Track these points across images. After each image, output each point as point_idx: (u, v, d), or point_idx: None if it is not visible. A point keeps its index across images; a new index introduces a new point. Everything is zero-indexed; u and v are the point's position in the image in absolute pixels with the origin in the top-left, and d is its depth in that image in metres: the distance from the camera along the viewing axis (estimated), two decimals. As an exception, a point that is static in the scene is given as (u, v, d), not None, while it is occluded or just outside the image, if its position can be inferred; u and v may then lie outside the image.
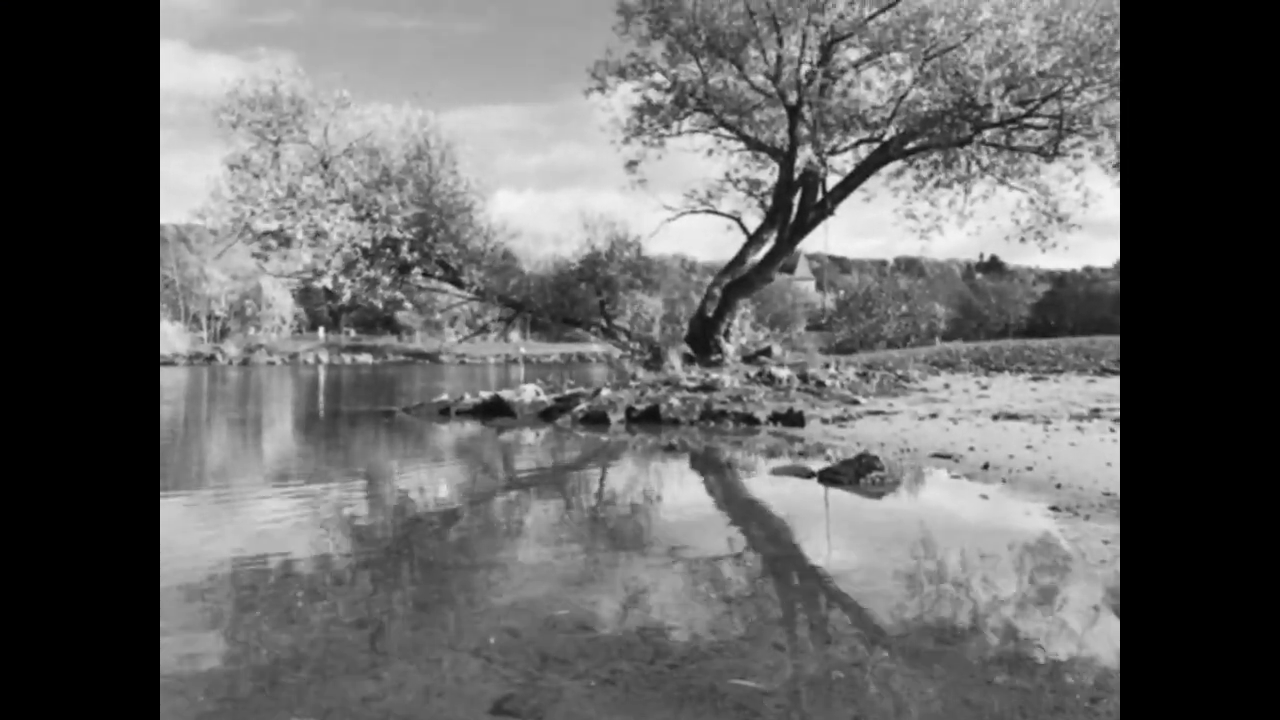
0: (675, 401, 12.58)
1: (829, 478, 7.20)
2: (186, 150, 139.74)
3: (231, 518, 6.96)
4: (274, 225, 16.87)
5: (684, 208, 21.38)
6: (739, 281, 19.48)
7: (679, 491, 7.58)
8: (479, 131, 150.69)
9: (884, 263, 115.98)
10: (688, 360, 18.53)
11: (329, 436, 12.99)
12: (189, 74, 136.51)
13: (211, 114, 16.61)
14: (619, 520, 6.26)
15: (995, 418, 10.79)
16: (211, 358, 58.88)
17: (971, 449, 8.63)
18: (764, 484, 7.47)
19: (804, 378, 14.21)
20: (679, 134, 20.17)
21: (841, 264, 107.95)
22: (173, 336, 57.96)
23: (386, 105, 18.20)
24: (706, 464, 9.25)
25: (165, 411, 18.65)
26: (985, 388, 14.01)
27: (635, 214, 59.17)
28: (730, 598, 4.29)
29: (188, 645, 3.64)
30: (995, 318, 72.37)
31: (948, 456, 8.30)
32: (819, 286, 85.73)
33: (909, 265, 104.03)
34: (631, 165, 20.32)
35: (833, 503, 6.57)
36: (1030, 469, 7.48)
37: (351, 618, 3.98)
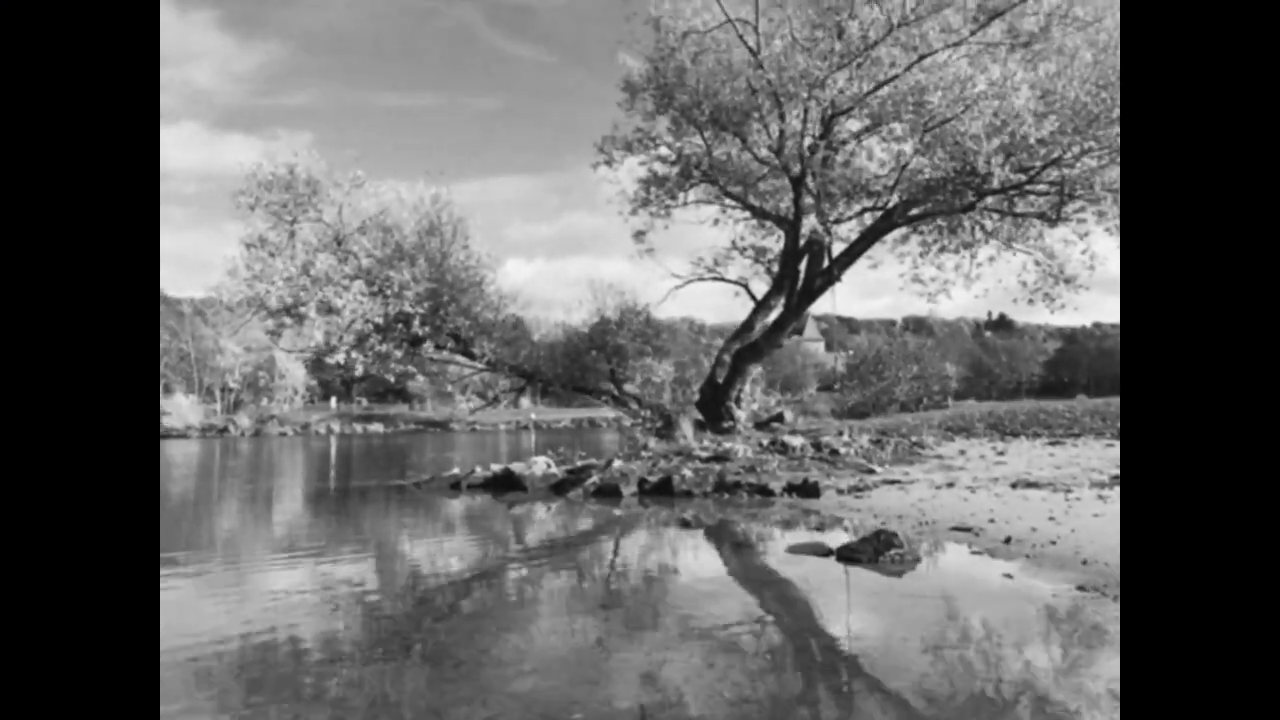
0: (688, 473, 12.46)
1: (847, 556, 7.05)
2: (204, 227, 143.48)
3: (240, 599, 6.86)
4: (288, 302, 17.13)
5: (691, 275, 21.61)
6: (748, 348, 19.51)
7: (695, 573, 7.43)
8: (490, 202, 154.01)
9: (892, 323, 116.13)
10: (699, 427, 18.42)
11: (339, 514, 12.90)
12: (208, 154, 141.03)
13: (230, 195, 17.07)
14: (634, 605, 6.12)
15: (1014, 486, 10.61)
16: (224, 430, 59.12)
17: (992, 521, 8.46)
18: (781, 564, 7.32)
19: (818, 446, 14.08)
20: (685, 204, 20.52)
21: (850, 324, 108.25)
22: (186, 409, 58.33)
23: (401, 183, 18.66)
24: (721, 541, 9.09)
25: (176, 488, 18.60)
26: (1002, 453, 13.82)
27: (643, 281, 59.89)
28: (749, 697, 4.14)
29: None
30: (1007, 376, 72.01)
31: (968, 530, 8.13)
32: (828, 347, 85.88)
33: (918, 325, 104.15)
34: (639, 235, 20.62)
35: (853, 584, 6.41)
36: (1054, 543, 7.31)
37: (358, 717, 3.86)
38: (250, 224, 17.34)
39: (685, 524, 9.97)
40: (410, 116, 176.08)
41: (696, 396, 20.84)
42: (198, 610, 6.78)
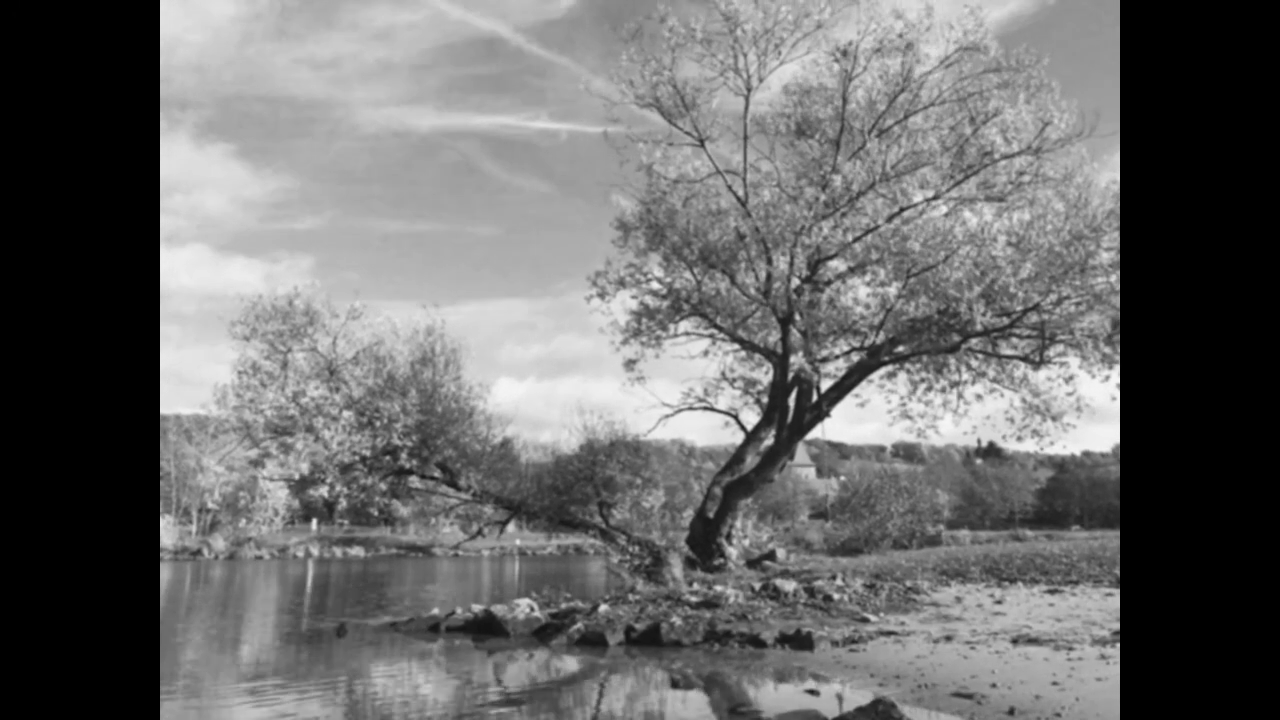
0: (677, 620, 12.01)
1: (844, 729, 6.67)
2: (201, 345, 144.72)
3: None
4: (276, 430, 17.02)
5: (682, 404, 21.71)
6: (739, 482, 19.34)
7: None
8: (485, 324, 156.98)
9: (882, 449, 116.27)
10: (689, 564, 17.95)
11: (310, 657, 12.25)
12: (211, 274, 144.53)
13: (228, 325, 17.27)
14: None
15: (1015, 642, 10.24)
16: (198, 552, 57.21)
17: (994, 686, 8.10)
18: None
19: (811, 591, 13.67)
20: (675, 335, 20.89)
21: (841, 450, 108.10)
22: (161, 531, 56.60)
23: (397, 313, 19.01)
24: (711, 703, 8.64)
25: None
26: (999, 602, 13.44)
27: (633, 408, 60.04)
28: None
29: None
30: (1000, 505, 71.32)
31: (969, 697, 7.77)
32: (819, 473, 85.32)
33: (908, 452, 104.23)
34: (630, 364, 20.84)
35: (850, 763, 6.03)
36: (1059, 716, 6.97)
37: None
38: (244, 351, 17.48)
39: (674, 683, 9.50)
40: (411, 242, 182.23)
41: (686, 530, 20.43)
42: None
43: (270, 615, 19.75)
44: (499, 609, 13.91)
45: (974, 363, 17.86)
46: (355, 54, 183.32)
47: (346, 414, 16.82)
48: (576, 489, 19.81)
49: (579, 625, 12.23)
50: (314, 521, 68.23)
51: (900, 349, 17.34)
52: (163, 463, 62.44)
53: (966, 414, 18.06)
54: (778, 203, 16.49)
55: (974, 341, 16.29)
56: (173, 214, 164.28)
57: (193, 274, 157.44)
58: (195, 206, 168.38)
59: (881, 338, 17.18)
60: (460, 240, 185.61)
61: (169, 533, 58.26)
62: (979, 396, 17.99)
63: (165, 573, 41.20)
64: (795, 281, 16.81)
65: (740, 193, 17.01)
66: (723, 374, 21.52)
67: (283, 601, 23.77)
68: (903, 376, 18.75)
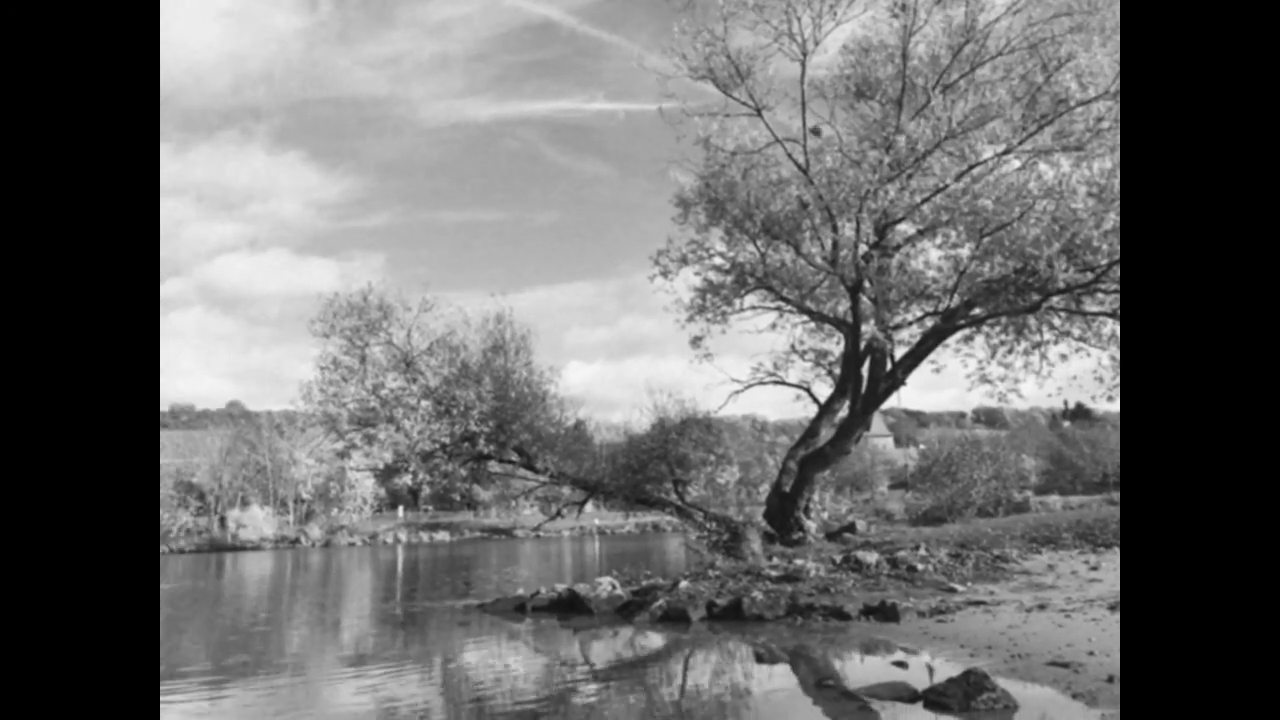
0: (758, 595, 12.01)
1: (935, 701, 6.59)
2: (285, 345, 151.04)
3: (309, 712, 6.79)
4: (359, 422, 17.69)
5: (751, 379, 21.52)
6: (814, 455, 19.12)
7: (772, 715, 7.04)
8: (552, 309, 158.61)
9: (962, 415, 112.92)
10: (768, 539, 17.90)
11: (409, 633, 12.79)
12: (292, 277, 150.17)
13: (308, 324, 17.96)
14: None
15: (1113, 608, 9.88)
16: (296, 541, 60.14)
17: (1091, 654, 7.85)
18: (862, 712, 6.86)
19: (894, 562, 13.47)
20: (741, 310, 20.66)
21: (918, 418, 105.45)
22: (261, 521, 59.73)
23: (467, 302, 19.42)
24: (798, 677, 8.64)
25: (248, 605, 18.81)
26: (1095, 568, 12.95)
27: (702, 385, 59.98)
28: None
29: None
30: (1091, 468, 68.48)
31: (1065, 665, 7.55)
32: (897, 443, 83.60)
33: (990, 416, 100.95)
34: (696, 341, 20.73)
35: (943, 735, 5.96)
36: (1163, 683, 6.71)
37: None
38: (325, 348, 18.16)
39: (759, 657, 9.53)
40: (477, 231, 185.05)
41: (763, 503, 20.35)
42: None
43: (366, 599, 20.66)
44: (582, 588, 14.18)
45: (1056, 322, 17.12)
46: (413, 50, 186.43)
47: (425, 403, 17.33)
48: (650, 467, 19.95)
49: (661, 602, 12.37)
50: (400, 508, 70.71)
51: (976, 311, 16.75)
52: (258, 457, 65.65)
53: (1050, 375, 17.34)
54: (840, 168, 16.07)
55: (1056, 300, 15.60)
56: (252, 221, 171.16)
57: (275, 278, 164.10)
58: (273, 212, 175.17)
59: (956, 301, 16.63)
60: (524, 227, 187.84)
61: (269, 523, 61.36)
62: (1064, 356, 17.25)
63: (268, 560, 43.47)
64: (863, 248, 16.41)
65: (801, 160, 16.64)
66: (792, 347, 21.24)
67: (376, 585, 24.82)
68: (980, 340, 18.12)
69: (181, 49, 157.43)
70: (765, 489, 23.05)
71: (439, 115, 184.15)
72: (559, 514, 21.80)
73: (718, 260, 19.90)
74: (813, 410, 20.63)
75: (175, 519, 60.76)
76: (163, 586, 26.85)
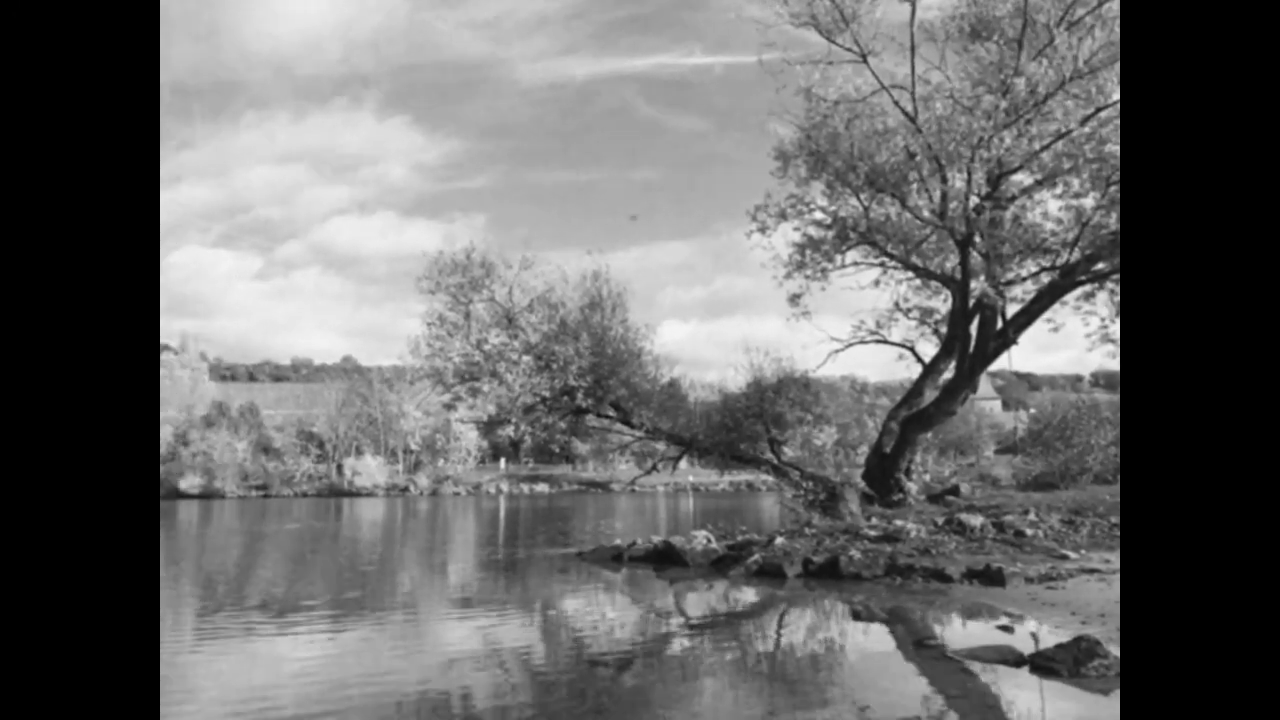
0: (856, 554, 11.89)
1: (1042, 666, 6.38)
2: (392, 303, 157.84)
3: (418, 651, 7.24)
4: (464, 376, 18.39)
5: (852, 338, 21.02)
6: (917, 416, 18.56)
7: (867, 670, 7.00)
8: (647, 268, 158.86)
9: (1078, 378, 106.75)
10: (866, 500, 17.61)
11: (509, 581, 13.38)
12: (398, 239, 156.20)
13: (415, 280, 18.70)
14: (803, 697, 5.84)
15: (1242, 582, 9.26)
16: (405, 489, 63.57)
17: (1217, 628, 7.39)
18: (965, 671, 6.74)
19: (1000, 526, 13.01)
20: (842, 267, 20.11)
21: (1030, 380, 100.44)
22: (374, 470, 63.41)
23: (565, 260, 19.73)
24: (897, 636, 8.54)
25: (364, 547, 20.10)
26: (1223, 539, 12.13)
27: (800, 344, 58.91)
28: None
29: None
30: (1222, 435, 63.63)
31: (1187, 638, 7.15)
32: (1005, 406, 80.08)
33: (1110, 380, 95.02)
34: (795, 299, 20.35)
35: (1050, 702, 5.78)
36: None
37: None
38: (431, 304, 18.88)
39: (856, 613, 9.47)
40: (574, 191, 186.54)
41: (861, 465, 19.99)
42: (379, 660, 7.31)
43: (470, 544, 21.68)
44: (677, 540, 14.42)
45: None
46: (512, 10, 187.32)
47: (526, 359, 17.80)
48: (746, 426, 19.89)
49: (756, 557, 12.43)
50: (502, 460, 73.43)
51: (1100, 266, 15.68)
52: (370, 409, 69.36)
53: (1181, 335, 16.14)
54: (951, 115, 15.22)
55: (1191, 252, 14.41)
56: (362, 185, 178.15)
57: (382, 239, 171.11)
58: (381, 176, 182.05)
59: (1076, 255, 15.61)
60: (620, 186, 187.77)
61: (381, 472, 65.01)
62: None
63: (380, 506, 46.16)
64: (974, 200, 15.59)
65: (909, 108, 15.86)
66: (896, 304, 20.58)
67: (480, 533, 25.98)
68: (1103, 296, 16.98)
69: (298, 20, 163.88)
70: (864, 451, 22.61)
71: (537, 75, 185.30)
72: (654, 469, 22.12)
73: (818, 215, 19.36)
74: (916, 370, 20.01)
75: (298, 465, 65.25)
76: (289, 526, 28.98)
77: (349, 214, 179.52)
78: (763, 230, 19.62)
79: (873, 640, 8.36)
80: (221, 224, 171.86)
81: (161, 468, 67.17)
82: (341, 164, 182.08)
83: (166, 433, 72.46)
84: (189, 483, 62.13)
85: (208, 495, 60.35)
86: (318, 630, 9.03)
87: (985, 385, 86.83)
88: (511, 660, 7.47)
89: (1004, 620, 8.55)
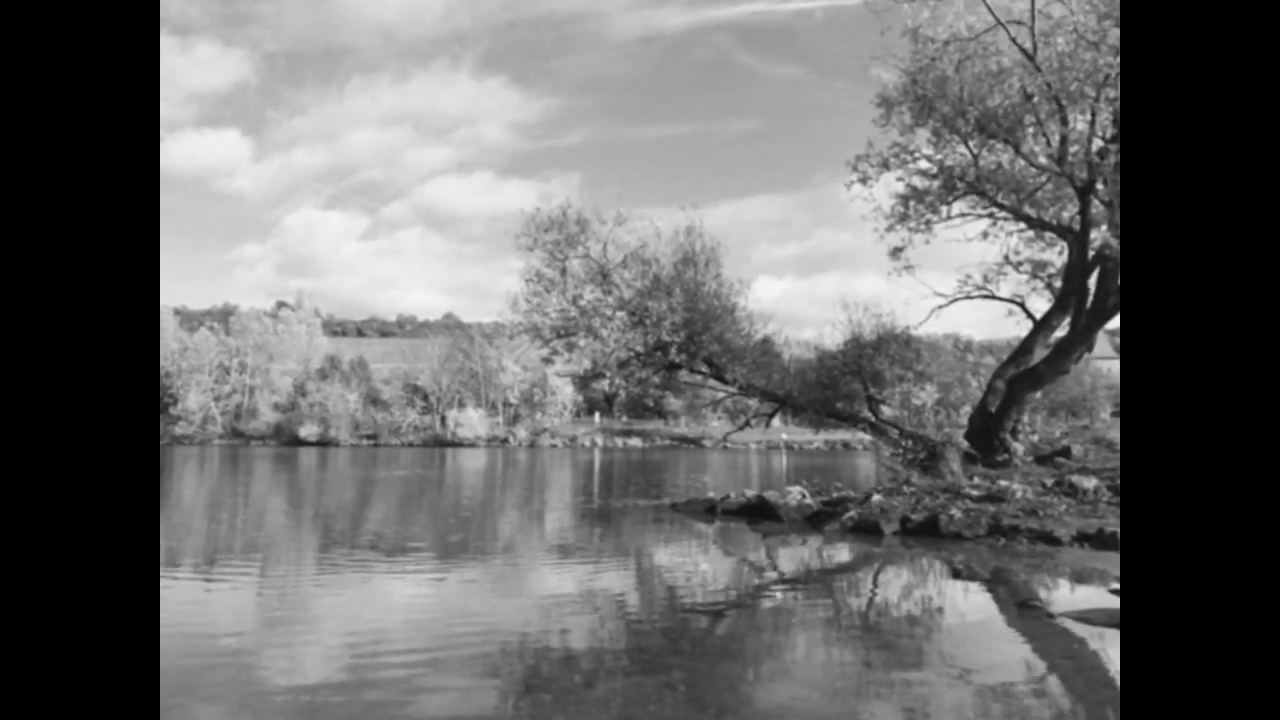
0: (957, 513, 11.57)
1: (1157, 632, 6.08)
2: (491, 262, 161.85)
3: (517, 596, 7.60)
4: (560, 331, 18.76)
5: (957, 293, 20.25)
6: (1025, 375, 17.73)
7: (965, 627, 6.86)
8: (741, 223, 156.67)
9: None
10: (968, 460, 17.06)
11: (604, 529, 13.75)
12: (495, 199, 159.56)
13: (513, 237, 19.09)
14: (896, 651, 5.80)
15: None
16: (505, 440, 65.87)
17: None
18: (1071, 637, 6.51)
19: (1115, 489, 12.36)
20: (948, 218, 19.29)
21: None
22: (476, 422, 66.04)
23: (659, 216, 19.66)
24: (998, 595, 8.32)
25: (466, 495, 21.05)
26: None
27: (901, 300, 56.91)
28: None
29: (465, 708, 3.95)
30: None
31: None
32: (1124, 366, 75.30)
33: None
34: (896, 252, 19.75)
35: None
36: None
37: (630, 713, 4.04)
38: (528, 261, 19.26)
39: (956, 572, 9.27)
40: (668, 146, 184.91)
41: (964, 425, 19.35)
42: (479, 602, 7.70)
43: (566, 494, 22.34)
44: (771, 495, 14.40)
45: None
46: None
47: (620, 314, 17.98)
48: (843, 384, 19.53)
49: (851, 513, 12.29)
50: (597, 415, 74.84)
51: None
52: (471, 364, 71.88)
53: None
54: (1074, 51, 14.15)
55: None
56: (460, 145, 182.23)
57: (481, 199, 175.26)
58: (479, 137, 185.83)
59: (1214, 201, 14.38)
60: (714, 139, 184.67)
61: (482, 424, 67.60)
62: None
63: (481, 456, 48.06)
64: (1097, 143, 14.54)
65: (1027, 45, 14.83)
66: (1005, 257, 19.62)
67: (575, 483, 26.71)
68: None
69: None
70: (966, 412, 21.85)
71: (630, 28, 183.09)
72: (747, 424, 22.06)
73: (923, 164, 18.56)
74: (1025, 327, 19.10)
75: (405, 416, 68.57)
76: (397, 473, 30.59)
77: (448, 174, 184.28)
78: (864, 181, 19.00)
79: (972, 600, 8.17)
80: (331, 186, 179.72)
81: (282, 416, 71.90)
82: (441, 125, 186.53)
83: (286, 384, 77.19)
84: (307, 430, 66.30)
85: (324, 443, 64.25)
86: (423, 571, 9.55)
87: (1103, 343, 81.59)
88: (606, 605, 7.70)
89: (1116, 585, 8.17)
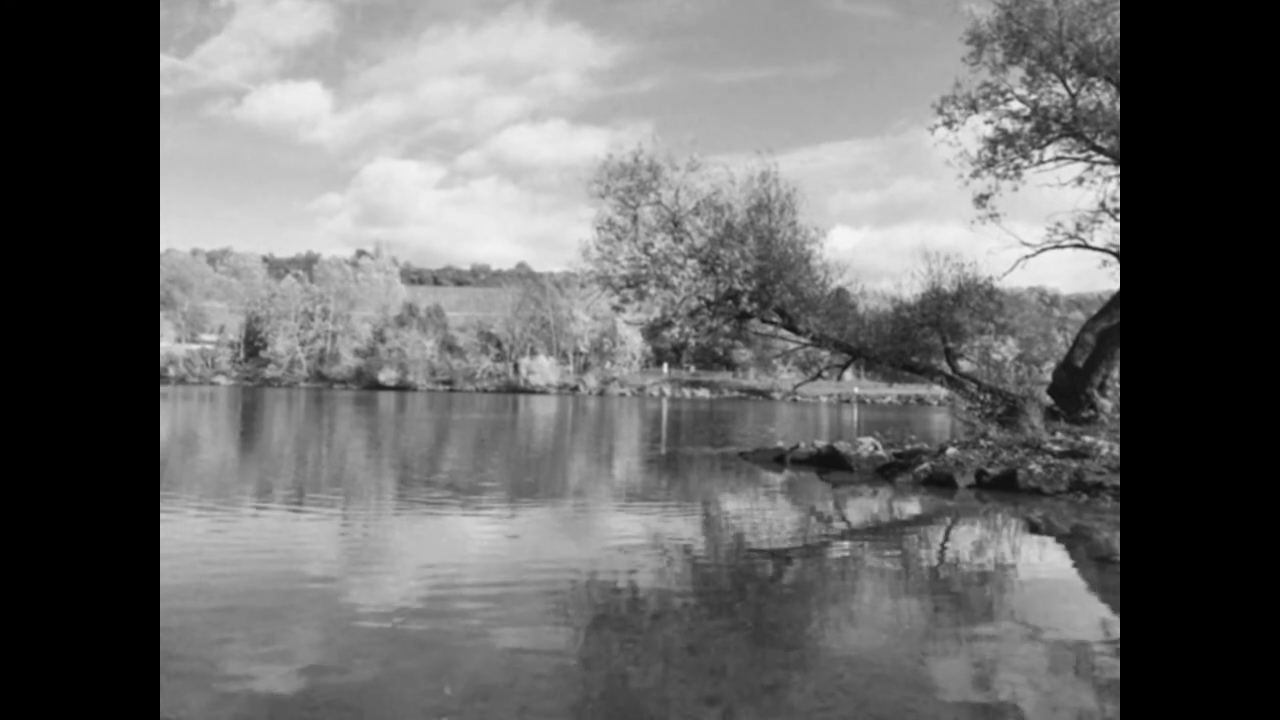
0: (1037, 468, 11.21)
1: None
2: (563, 211, 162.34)
3: (585, 537, 7.80)
4: (631, 280, 18.75)
5: (1046, 242, 19.28)
6: (1116, 328, 16.87)
7: (1040, 581, 6.70)
8: (817, 170, 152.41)
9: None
10: (1051, 416, 16.46)
11: (671, 474, 13.90)
12: (568, 147, 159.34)
13: (585, 184, 19.05)
14: (967, 603, 5.72)
15: None
16: (575, 388, 66.92)
17: None
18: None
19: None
20: (1040, 163, 18.31)
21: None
22: (547, 369, 67.26)
23: (733, 162, 19.29)
24: (1076, 551, 8.08)
25: (538, 440, 21.55)
26: None
27: (985, 250, 54.62)
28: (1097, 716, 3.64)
29: (537, 642, 4.09)
30: None
31: None
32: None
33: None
34: (982, 199, 18.93)
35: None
36: None
37: (688, 676, 4.12)
38: (600, 209, 19.22)
39: (1033, 526, 9.03)
40: (745, 91, 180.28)
41: (1048, 380, 18.64)
42: (550, 543, 7.91)
43: (635, 441, 22.62)
44: (842, 445, 14.24)
45: None
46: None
47: (691, 262, 17.82)
48: (919, 336, 19.01)
49: (925, 465, 12.06)
50: (665, 365, 75.08)
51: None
52: (543, 312, 72.90)
53: None
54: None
55: None
56: (534, 94, 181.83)
57: (553, 147, 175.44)
58: (552, 85, 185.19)
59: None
60: (792, 83, 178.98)
61: (554, 371, 68.83)
62: None
63: (552, 403, 48.99)
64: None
65: (1135, -28, 13.73)
66: (1102, 205, 18.50)
67: (644, 431, 26.99)
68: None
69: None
70: (1049, 367, 21.05)
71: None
72: (819, 376, 21.77)
73: (1015, 105, 17.59)
74: (1120, 278, 18.12)
75: (479, 363, 70.27)
76: (473, 416, 31.49)
77: (521, 124, 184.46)
78: (949, 124, 18.17)
79: (1049, 556, 7.96)
80: (408, 136, 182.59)
81: (362, 361, 74.68)
82: (515, 74, 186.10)
83: (365, 330, 79.92)
84: (386, 375, 68.70)
85: (402, 387, 66.51)
86: (497, 511, 9.85)
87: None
88: (674, 548, 7.81)
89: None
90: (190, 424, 24.59)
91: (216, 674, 3.96)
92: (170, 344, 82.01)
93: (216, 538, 7.64)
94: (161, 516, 8.45)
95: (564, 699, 3.84)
